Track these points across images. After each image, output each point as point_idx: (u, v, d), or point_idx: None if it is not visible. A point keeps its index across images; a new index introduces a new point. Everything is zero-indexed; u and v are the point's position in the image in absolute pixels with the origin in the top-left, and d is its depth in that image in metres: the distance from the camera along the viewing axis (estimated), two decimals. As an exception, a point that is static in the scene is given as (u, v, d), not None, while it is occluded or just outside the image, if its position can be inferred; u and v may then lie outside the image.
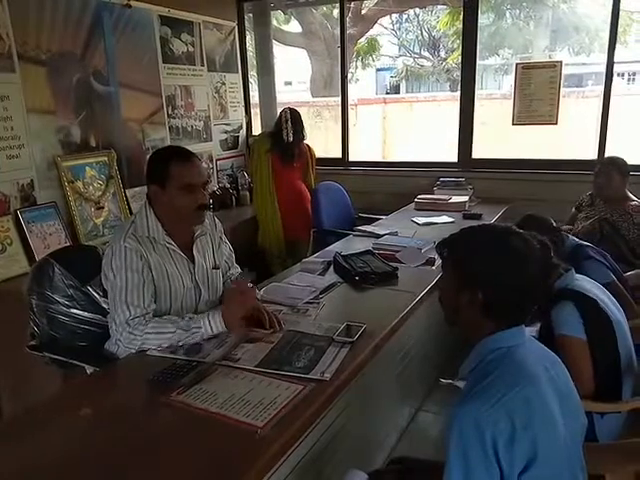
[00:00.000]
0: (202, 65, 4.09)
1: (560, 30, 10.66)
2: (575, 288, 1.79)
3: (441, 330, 2.80)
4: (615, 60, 3.53)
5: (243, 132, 4.64)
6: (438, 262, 2.39)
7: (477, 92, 3.96)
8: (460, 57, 3.97)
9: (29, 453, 1.20)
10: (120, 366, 1.65)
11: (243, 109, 4.63)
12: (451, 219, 3.27)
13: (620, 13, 3.46)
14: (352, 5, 7.21)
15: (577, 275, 1.86)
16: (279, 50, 6.98)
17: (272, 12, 4.95)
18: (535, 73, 3.71)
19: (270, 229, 3.78)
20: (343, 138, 4.46)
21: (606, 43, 3.53)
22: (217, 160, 4.32)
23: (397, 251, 2.50)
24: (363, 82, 13.41)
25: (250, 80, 4.83)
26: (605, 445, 1.51)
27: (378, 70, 14.11)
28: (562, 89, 3.67)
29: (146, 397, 1.41)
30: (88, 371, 1.77)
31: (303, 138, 3.82)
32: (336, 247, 2.70)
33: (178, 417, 1.30)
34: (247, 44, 4.70)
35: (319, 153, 4.10)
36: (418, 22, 12.70)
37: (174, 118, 3.83)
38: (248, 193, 4.35)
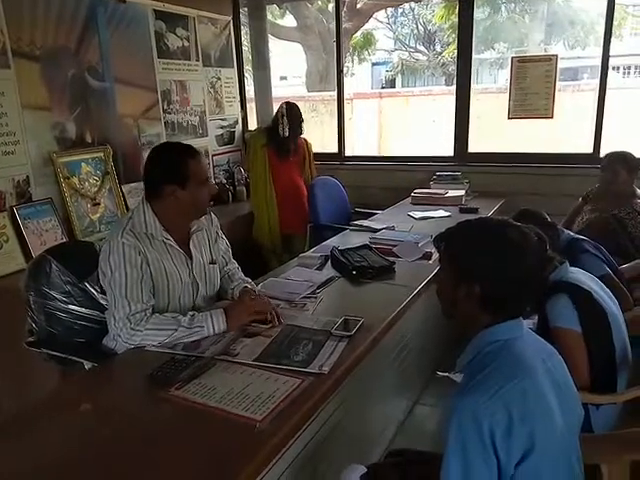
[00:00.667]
0: (197, 60, 4.07)
1: (555, 24, 10.65)
2: (570, 280, 1.80)
3: (438, 323, 2.81)
4: (610, 54, 3.53)
5: (239, 127, 4.63)
6: (435, 256, 2.40)
7: (473, 86, 3.96)
8: (456, 51, 3.97)
9: (29, 450, 1.21)
10: (118, 361, 1.65)
11: (239, 104, 4.62)
12: (447, 213, 3.28)
13: (615, 7, 3.47)
14: (347, -1, 7.18)
15: (572, 268, 1.87)
16: (274, 44, 6.94)
17: (267, 6, 4.92)
18: (531, 67, 3.71)
19: (265, 223, 3.78)
20: (339, 133, 4.45)
21: (601, 37, 3.53)
22: (213, 155, 4.31)
23: (394, 245, 2.51)
24: (359, 76, 13.38)
25: (245, 75, 4.82)
26: (601, 435, 1.52)
27: (374, 64, 14.08)
28: (557, 83, 3.68)
29: (145, 392, 1.41)
30: (86, 367, 1.77)
31: (300, 133, 3.81)
32: (333, 242, 2.71)
33: (177, 412, 1.30)
34: (242, 38, 4.69)
35: (315, 148, 4.09)
36: (413, 16, 12.66)
37: (170, 113, 3.82)
38: (245, 189, 4.35)
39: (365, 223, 3.05)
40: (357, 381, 1.78)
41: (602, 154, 3.63)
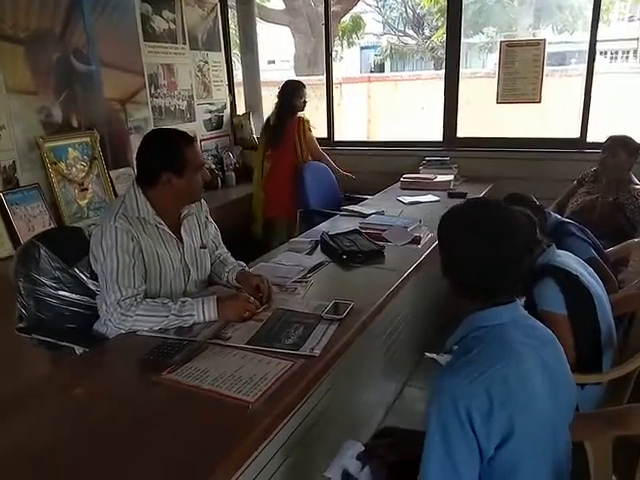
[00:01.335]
0: (184, 43, 4.02)
1: (544, 8, 10.65)
2: (556, 264, 1.82)
3: (427, 306, 2.84)
4: (598, 39, 3.55)
5: (227, 112, 4.60)
6: (424, 241, 2.42)
7: (462, 71, 3.96)
8: (445, 35, 3.96)
9: (21, 433, 1.21)
10: (110, 346, 1.66)
11: (227, 88, 4.58)
12: (436, 198, 3.30)
13: (603, -9, 3.48)
14: (336, -18, 7.11)
15: (559, 251, 1.90)
16: (262, 28, 6.86)
17: (255, -12, 4.86)
18: (519, 51, 3.71)
19: (253, 207, 3.85)
20: (328, 118, 4.43)
21: (589, 22, 3.54)
22: (201, 140, 4.28)
23: (383, 230, 2.52)
24: (347, 60, 13.31)
25: (233, 59, 4.77)
26: (586, 414, 1.56)
27: (362, 48, 14.01)
28: (546, 67, 3.69)
29: (137, 376, 1.42)
30: (77, 352, 1.78)
31: (292, 112, 3.72)
32: (323, 227, 2.72)
33: (169, 394, 1.31)
34: (230, 21, 4.63)
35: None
36: (402, -1, 12.60)
37: (157, 98, 3.78)
38: (234, 174, 4.33)
39: (355, 208, 3.06)
40: (347, 363, 1.80)
41: (589, 139, 3.67)
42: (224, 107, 4.55)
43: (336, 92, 4.89)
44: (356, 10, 10.28)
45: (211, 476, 1.04)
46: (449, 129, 4.03)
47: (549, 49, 3.73)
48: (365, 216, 2.84)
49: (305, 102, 3.76)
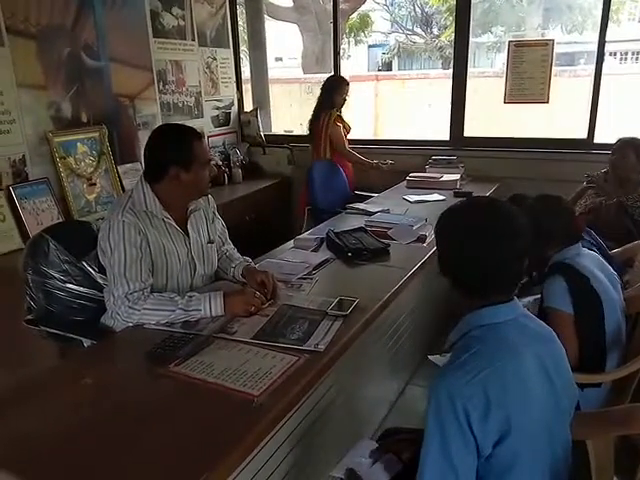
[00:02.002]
0: (193, 40, 4.04)
1: (553, 8, 10.59)
2: (570, 263, 1.81)
3: (431, 305, 2.85)
4: (607, 39, 3.53)
5: (235, 108, 4.61)
6: (429, 239, 2.43)
7: (469, 70, 3.95)
8: (453, 34, 3.95)
9: (30, 423, 1.23)
10: (118, 339, 1.68)
11: (235, 85, 4.59)
12: (442, 197, 3.30)
13: (613, -9, 3.46)
14: (345, -21, 7.10)
15: (584, 250, 1.89)
16: (270, 25, 6.86)
17: (264, -15, 4.87)
18: (527, 51, 3.70)
19: None
20: (336, 116, 4.43)
21: (599, 22, 3.53)
22: (209, 137, 4.30)
23: (389, 228, 2.53)
24: (355, 59, 13.28)
25: (241, 55, 4.78)
26: (587, 412, 1.56)
27: (370, 46, 13.96)
28: (554, 68, 3.68)
29: (144, 369, 1.44)
30: (85, 344, 1.80)
31: (329, 108, 3.74)
32: (329, 224, 2.73)
33: (176, 387, 1.33)
34: (238, 18, 4.63)
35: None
36: (411, -3, 12.56)
37: (165, 94, 3.80)
38: (240, 171, 4.35)
39: (361, 206, 3.07)
40: (351, 360, 1.82)
41: (596, 140, 3.66)
42: (232, 104, 4.57)
43: (344, 90, 4.88)
44: (364, 8, 10.26)
45: (216, 468, 1.05)
46: (456, 128, 4.02)
47: (558, 49, 3.72)
48: (371, 214, 2.85)
49: (345, 99, 3.77)
